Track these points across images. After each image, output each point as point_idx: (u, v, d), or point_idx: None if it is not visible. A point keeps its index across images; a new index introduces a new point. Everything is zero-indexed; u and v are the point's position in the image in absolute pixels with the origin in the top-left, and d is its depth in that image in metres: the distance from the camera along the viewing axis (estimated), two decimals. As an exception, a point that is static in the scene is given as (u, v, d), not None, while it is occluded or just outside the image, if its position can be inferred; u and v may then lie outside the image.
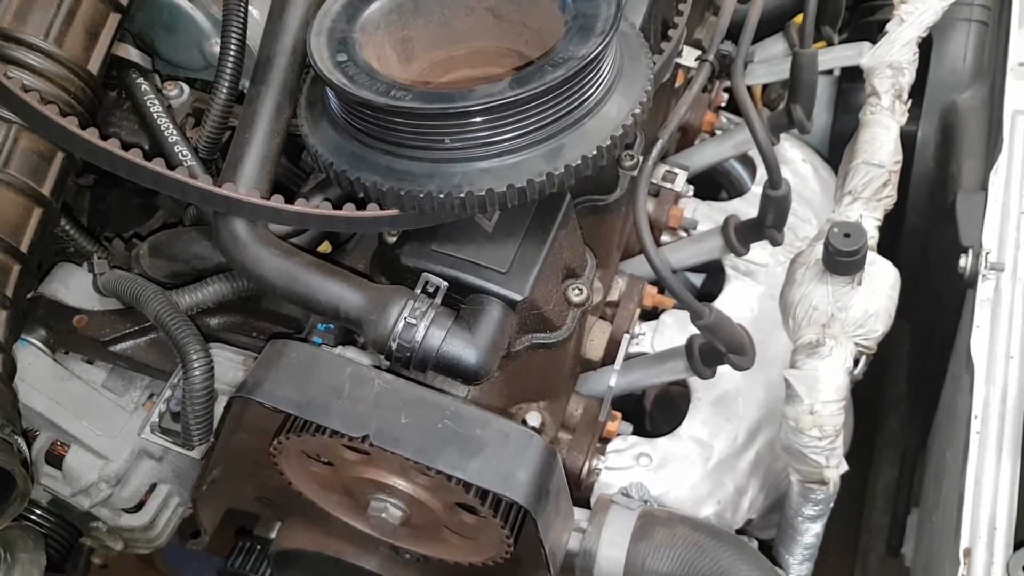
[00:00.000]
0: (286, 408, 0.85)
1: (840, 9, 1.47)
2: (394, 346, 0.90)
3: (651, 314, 1.34)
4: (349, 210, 0.92)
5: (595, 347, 1.16)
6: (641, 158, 1.14)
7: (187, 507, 1.25)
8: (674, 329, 1.33)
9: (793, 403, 1.09)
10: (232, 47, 1.12)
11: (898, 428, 2.06)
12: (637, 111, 0.95)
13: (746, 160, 1.54)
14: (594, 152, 0.91)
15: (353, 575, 1.14)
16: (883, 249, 1.77)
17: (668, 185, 1.20)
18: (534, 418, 1.08)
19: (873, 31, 1.52)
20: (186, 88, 1.20)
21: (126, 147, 1.13)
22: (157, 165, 0.90)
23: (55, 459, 1.15)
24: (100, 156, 0.90)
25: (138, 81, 1.10)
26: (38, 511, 1.19)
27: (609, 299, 1.27)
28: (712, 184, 1.60)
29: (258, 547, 1.33)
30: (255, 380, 0.88)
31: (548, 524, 0.88)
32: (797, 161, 1.52)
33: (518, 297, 0.95)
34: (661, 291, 1.33)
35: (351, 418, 0.85)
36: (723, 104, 1.58)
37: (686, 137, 1.54)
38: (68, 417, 1.11)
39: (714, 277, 1.47)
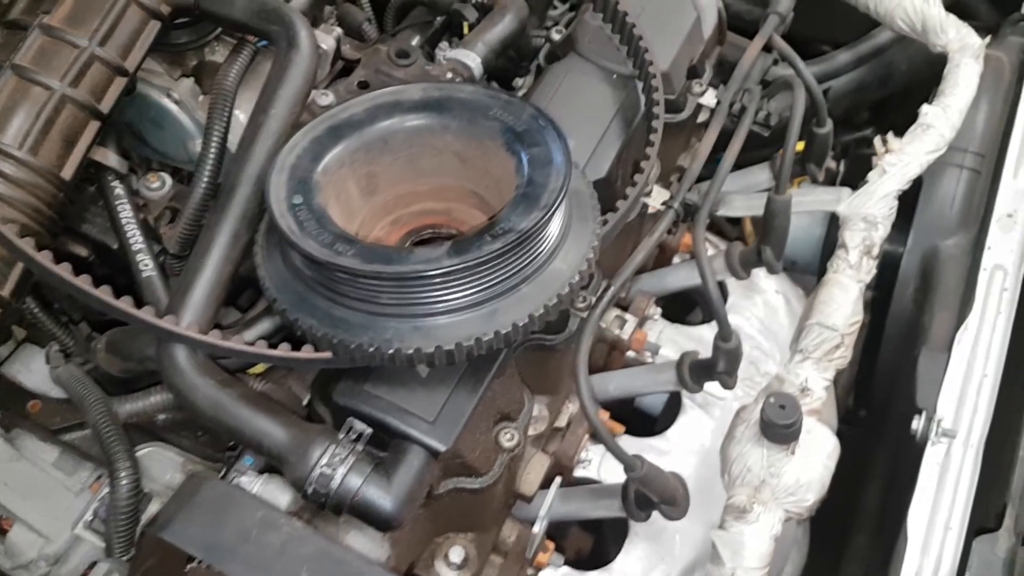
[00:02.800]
0: (190, 550, 0.88)
1: (826, 147, 1.47)
2: (309, 490, 0.92)
3: (603, 436, 1.35)
4: (284, 349, 0.95)
5: (530, 482, 1.17)
6: (594, 300, 1.16)
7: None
8: (623, 456, 1.35)
9: (716, 563, 1.10)
10: (212, 151, 1.16)
11: (865, 546, 2.04)
12: (575, 279, 0.97)
13: (720, 284, 1.55)
14: (525, 320, 0.93)
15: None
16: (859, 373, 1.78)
17: (617, 332, 1.21)
18: (457, 553, 1.09)
19: (868, 166, 1.52)
20: (168, 181, 1.23)
21: (96, 247, 1.18)
22: (104, 294, 0.93)
23: (0, 531, 1.18)
24: (53, 278, 0.93)
25: (112, 184, 1.14)
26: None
27: (557, 424, 1.28)
28: (687, 299, 1.61)
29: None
30: (166, 516, 0.91)
31: None
32: (770, 291, 1.53)
33: (441, 448, 0.97)
34: (612, 417, 1.35)
35: (253, 566, 0.87)
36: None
37: (663, 255, 1.55)
38: (13, 498, 1.15)
39: (676, 399, 1.48)
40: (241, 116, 1.20)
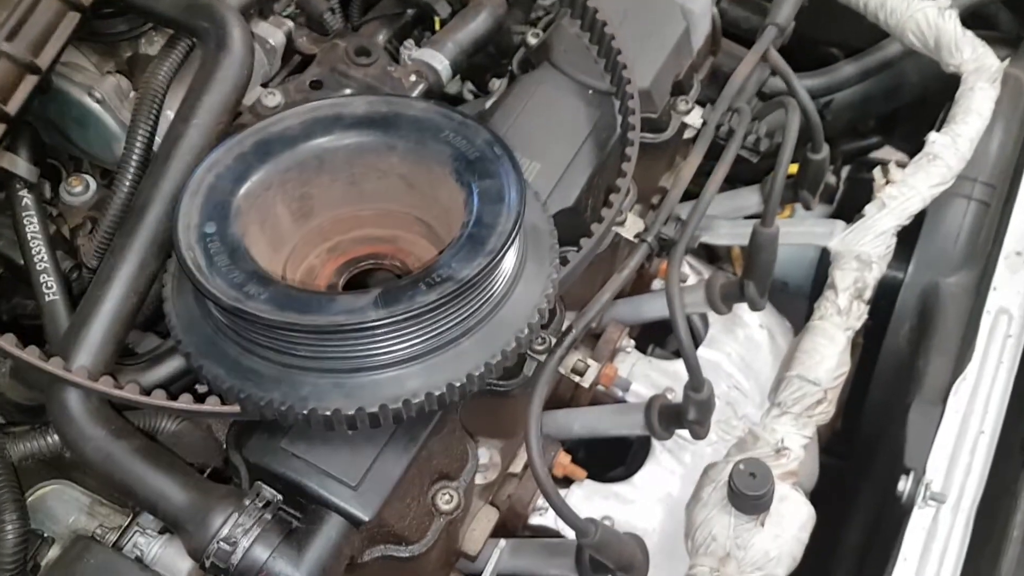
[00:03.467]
0: (68, 632, 0.77)
1: (821, 174, 1.34)
2: (207, 563, 0.82)
3: (564, 481, 1.25)
4: (187, 400, 0.84)
5: (475, 539, 1.06)
6: (553, 340, 1.04)
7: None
8: (583, 503, 1.24)
9: (673, 641, 1.00)
10: (135, 156, 1.04)
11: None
12: (523, 333, 0.85)
13: (701, 316, 1.44)
14: (462, 380, 0.82)
15: None
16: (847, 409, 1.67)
17: (577, 379, 1.10)
18: None
19: (868, 191, 1.39)
20: (92, 185, 1.12)
21: (4, 260, 1.07)
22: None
23: None
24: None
25: (20, 194, 1.02)
26: None
27: (512, 470, 1.17)
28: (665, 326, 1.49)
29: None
30: (48, 581, 0.80)
31: None
32: (753, 326, 1.41)
33: (364, 518, 0.86)
34: (574, 460, 1.24)
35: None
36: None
37: (640, 281, 1.43)
38: None
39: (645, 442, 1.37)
40: (172, 116, 1.07)
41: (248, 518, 0.83)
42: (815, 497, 1.42)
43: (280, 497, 0.85)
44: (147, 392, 0.83)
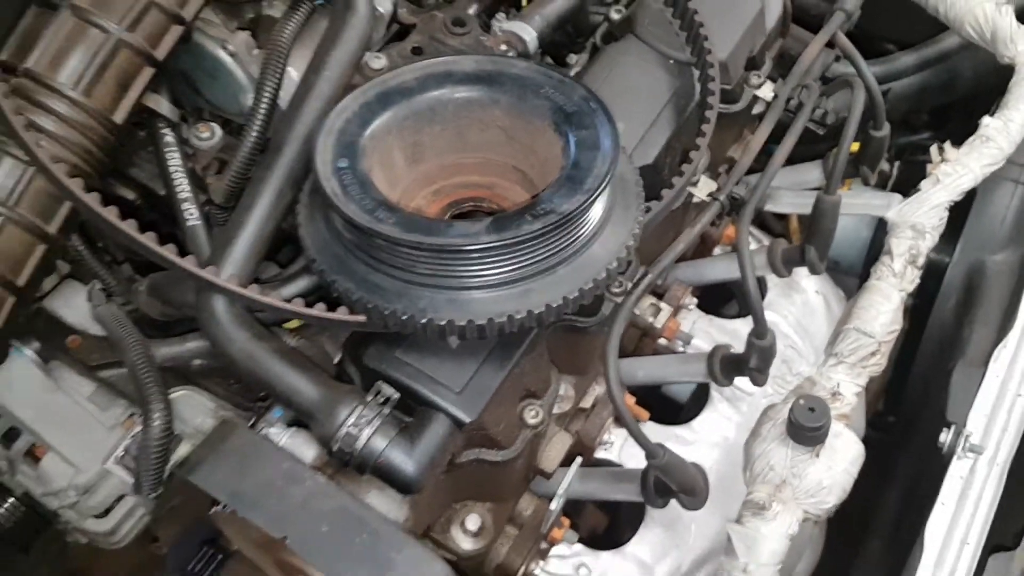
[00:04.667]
0: (216, 495, 0.90)
1: (881, 151, 1.44)
2: (335, 448, 0.94)
3: (627, 421, 1.36)
4: (320, 309, 0.96)
5: (551, 459, 1.18)
6: (630, 285, 1.15)
7: (151, 520, 1.31)
8: (646, 443, 1.35)
9: (730, 556, 1.11)
10: (262, 106, 1.17)
11: (879, 551, 2.04)
12: (612, 266, 0.97)
13: (760, 279, 1.54)
14: (559, 302, 0.93)
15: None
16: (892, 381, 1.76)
17: (650, 319, 1.21)
18: (473, 521, 1.11)
19: (922, 173, 1.49)
20: (218, 132, 1.25)
21: (144, 192, 1.20)
22: (148, 240, 0.95)
23: (33, 458, 1.22)
24: (99, 220, 0.95)
25: (163, 132, 1.16)
26: (13, 499, 1.27)
27: (582, 405, 1.29)
28: (724, 292, 1.60)
29: (219, 557, 1.40)
30: (196, 459, 0.93)
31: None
32: (810, 292, 1.51)
33: (467, 419, 0.98)
34: (639, 403, 1.35)
35: (275, 517, 0.89)
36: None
37: (704, 246, 1.54)
38: (48, 428, 1.18)
39: (704, 390, 1.48)
40: (294, 73, 1.20)
41: (370, 411, 0.95)
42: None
43: (397, 395, 0.97)
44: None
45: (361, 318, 0.96)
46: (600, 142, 0.97)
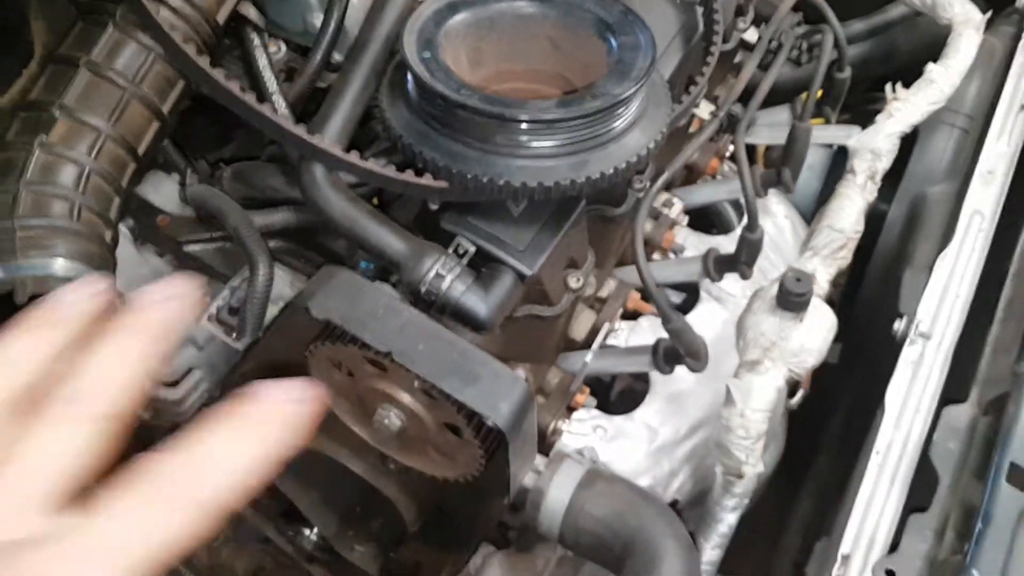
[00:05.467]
0: (331, 318, 1.07)
1: (841, 94, 1.70)
2: (423, 290, 1.13)
3: (631, 315, 1.57)
4: (408, 175, 1.15)
5: (579, 329, 1.38)
6: (648, 183, 1.37)
7: (212, 395, 1.46)
8: (647, 332, 1.56)
9: (728, 406, 1.32)
10: (332, 25, 1.34)
11: (826, 465, 2.30)
12: (651, 145, 1.18)
13: (736, 205, 1.78)
14: (611, 171, 1.14)
15: (340, 474, 1.36)
16: (840, 308, 2.02)
17: (665, 211, 1.43)
18: (520, 374, 1.30)
19: (870, 118, 1.75)
20: (283, 48, 1.42)
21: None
22: (267, 109, 1.12)
23: (116, 329, 1.36)
24: (220, 92, 1.12)
25: (251, 36, 1.33)
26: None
27: (599, 295, 1.50)
28: (705, 219, 1.83)
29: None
30: (308, 292, 1.10)
31: (516, 453, 1.10)
32: (780, 215, 1.76)
33: (528, 272, 1.17)
34: (643, 299, 1.57)
35: (380, 336, 1.07)
36: (728, 155, 1.81)
37: (691, 176, 1.77)
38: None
39: (691, 297, 1.70)
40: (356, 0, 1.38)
41: (451, 260, 1.14)
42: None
43: (473, 249, 1.16)
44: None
45: (444, 184, 1.14)
46: (639, 43, 1.18)
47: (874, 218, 1.92)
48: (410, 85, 1.17)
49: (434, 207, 1.23)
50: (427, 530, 1.40)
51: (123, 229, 1.34)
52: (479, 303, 1.14)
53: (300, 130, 1.13)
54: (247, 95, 1.12)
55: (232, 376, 1.34)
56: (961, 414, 1.37)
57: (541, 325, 1.25)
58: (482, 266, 1.18)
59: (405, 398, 1.14)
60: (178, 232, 1.33)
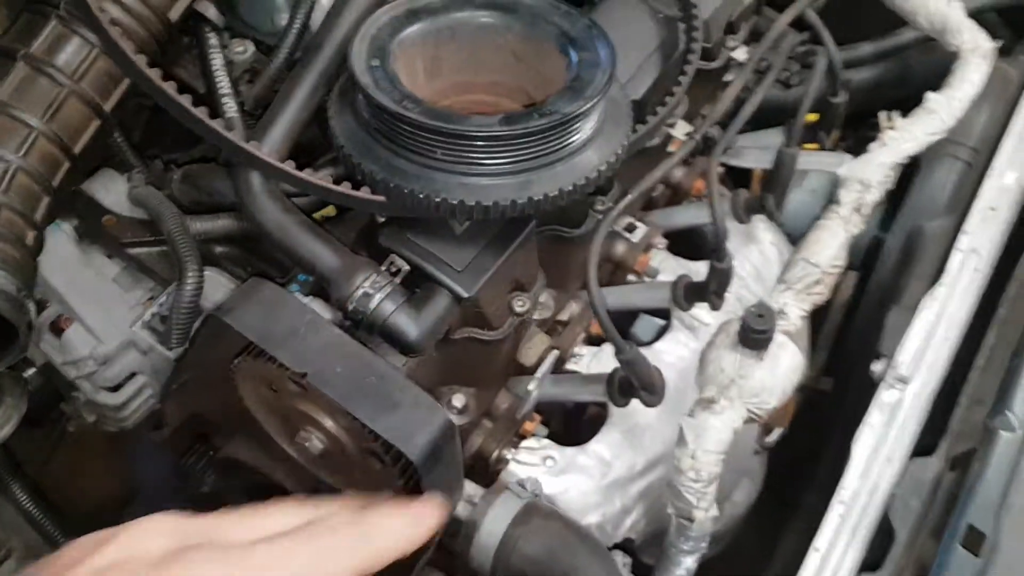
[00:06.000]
0: (248, 335, 1.03)
1: (836, 119, 1.62)
2: (350, 308, 1.08)
3: (597, 340, 1.51)
4: (345, 188, 1.10)
5: (530, 355, 1.33)
6: (612, 204, 1.31)
7: (157, 402, 1.43)
8: (611, 359, 1.50)
9: (680, 446, 1.26)
10: (296, 26, 1.30)
11: (814, 504, 2.21)
12: (603, 168, 1.12)
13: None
14: (556, 192, 1.08)
15: (279, 494, 1.32)
16: (838, 338, 1.95)
17: (627, 235, 1.36)
18: (459, 399, 1.25)
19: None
20: (251, 48, 1.38)
21: (184, 89, 1.33)
22: (201, 113, 1.08)
23: (57, 330, 1.34)
24: (158, 94, 1.08)
25: (208, 35, 1.29)
26: (32, 370, 1.38)
27: (559, 318, 1.44)
28: (691, 243, 1.76)
29: (210, 453, 1.51)
30: (229, 305, 1.06)
31: (434, 485, 1.05)
32: (766, 242, 1.68)
33: (465, 294, 1.12)
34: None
35: (298, 356, 1.02)
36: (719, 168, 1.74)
37: (675, 196, 1.70)
38: (76, 298, 1.30)
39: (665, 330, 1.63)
40: (325, 1, 1.34)
41: (382, 279, 1.09)
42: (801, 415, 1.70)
43: (407, 268, 1.11)
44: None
45: (382, 199, 1.09)
46: (599, 61, 1.12)
47: (874, 246, 1.84)
48: (357, 95, 1.13)
49: (380, 219, 1.18)
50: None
51: (66, 228, 1.31)
52: (409, 324, 1.09)
53: (236, 136, 1.09)
54: (183, 97, 1.08)
55: (169, 387, 1.30)
56: (928, 467, 1.29)
57: (482, 349, 1.20)
58: (418, 285, 1.13)
59: (327, 421, 1.10)
60: (122, 233, 1.30)
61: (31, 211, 1.09)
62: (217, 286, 1.27)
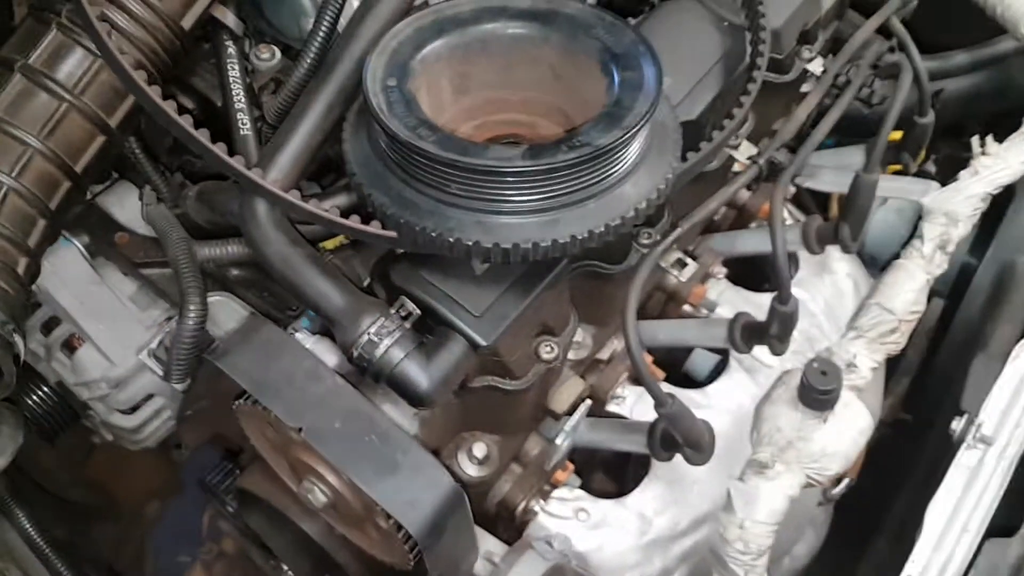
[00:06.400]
0: (240, 381, 0.94)
1: (924, 139, 1.45)
2: (354, 354, 0.98)
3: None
4: (354, 221, 1.00)
5: (561, 401, 1.21)
6: (659, 238, 1.18)
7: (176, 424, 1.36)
8: (658, 401, 1.37)
9: (727, 512, 1.13)
10: (321, 31, 1.20)
11: (885, 550, 2.04)
12: (642, 206, 0.99)
13: (792, 256, 1.55)
14: (585, 234, 0.96)
15: (295, 533, 1.23)
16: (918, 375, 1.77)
17: (675, 273, 1.23)
18: (480, 449, 1.14)
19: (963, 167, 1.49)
20: (278, 54, 1.29)
21: (202, 99, 1.25)
22: (202, 136, 0.99)
23: (70, 348, 1.28)
24: (158, 113, 1.00)
25: (226, 43, 1.20)
26: (46, 388, 1.33)
27: (599, 357, 1.31)
28: (757, 270, 1.61)
29: (237, 472, 1.45)
30: (225, 348, 0.97)
31: (438, 556, 0.94)
32: (841, 274, 1.52)
33: (482, 343, 1.01)
34: (656, 363, 1.37)
35: (292, 408, 0.93)
36: (788, 197, 1.59)
37: (741, 219, 1.55)
38: (88, 319, 1.23)
39: (724, 365, 1.49)
40: (355, 1, 1.24)
41: (391, 323, 0.99)
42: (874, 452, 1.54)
43: (419, 312, 1.00)
44: (322, 208, 0.99)
45: (392, 233, 0.99)
46: (644, 83, 0.99)
47: (963, 273, 1.66)
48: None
49: (398, 251, 1.08)
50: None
51: (77, 245, 1.24)
52: (419, 374, 0.98)
53: (237, 162, 0.99)
54: (183, 118, 0.99)
55: (185, 412, 1.23)
56: (1008, 550, 1.13)
57: (504, 399, 1.09)
58: (431, 330, 1.02)
59: (329, 475, 1.00)
60: (135, 252, 1.23)
61: (24, 236, 1.02)
62: (229, 313, 1.19)
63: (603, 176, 0.97)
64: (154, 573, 1.86)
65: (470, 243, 0.95)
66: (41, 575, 1.25)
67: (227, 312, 1.20)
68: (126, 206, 1.26)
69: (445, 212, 0.96)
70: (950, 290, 1.72)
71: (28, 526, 1.25)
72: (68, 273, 1.23)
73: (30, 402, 1.33)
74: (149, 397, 1.33)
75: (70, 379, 1.29)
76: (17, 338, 0.97)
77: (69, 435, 1.46)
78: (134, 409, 1.33)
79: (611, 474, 1.57)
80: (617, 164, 0.98)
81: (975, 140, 1.36)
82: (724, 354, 1.49)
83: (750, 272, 1.54)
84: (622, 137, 0.95)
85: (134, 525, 1.94)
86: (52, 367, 1.30)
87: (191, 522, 1.66)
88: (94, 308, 1.24)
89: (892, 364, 1.73)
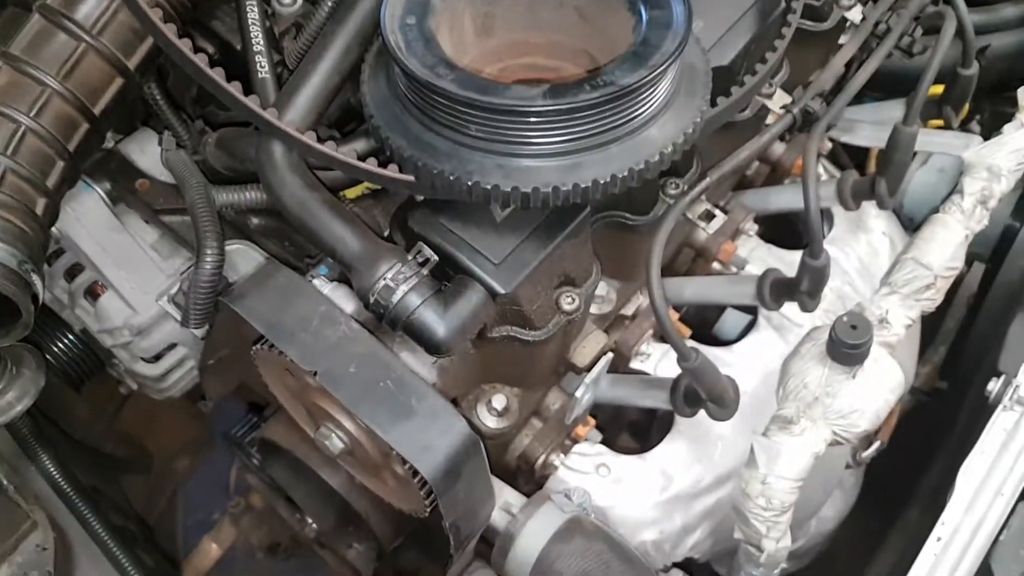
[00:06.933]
0: (255, 324, 0.93)
1: (967, 92, 1.39)
2: (371, 300, 0.96)
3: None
4: (371, 164, 0.98)
5: (583, 354, 1.18)
6: (686, 187, 1.15)
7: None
8: (683, 358, 1.34)
9: (750, 468, 1.11)
10: (341, -26, 1.18)
11: (916, 519, 2.00)
12: (667, 150, 0.95)
13: (826, 213, 1.50)
14: (608, 179, 0.93)
15: (317, 484, 1.23)
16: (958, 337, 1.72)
17: (702, 225, 1.19)
18: (499, 400, 1.13)
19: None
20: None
21: (222, 42, 1.23)
22: (216, 74, 0.97)
23: (93, 295, 1.28)
24: (173, 51, 0.98)
25: (245, -15, 1.18)
26: (71, 335, 1.33)
27: (623, 312, 1.29)
28: (790, 228, 1.57)
29: (259, 426, 1.44)
30: (240, 291, 0.96)
31: (453, 502, 0.93)
32: (876, 232, 1.48)
33: (501, 291, 0.99)
34: (682, 319, 1.34)
35: (307, 352, 0.92)
36: (824, 152, 1.54)
37: (774, 175, 1.51)
38: (109, 264, 1.23)
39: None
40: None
41: (408, 269, 0.97)
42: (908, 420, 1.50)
43: (436, 258, 0.98)
44: (339, 150, 0.97)
45: (410, 177, 0.97)
46: (673, 22, 0.96)
47: (1006, 236, 1.61)
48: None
49: (418, 199, 1.06)
50: (418, 539, 1.26)
51: (99, 191, 1.23)
52: (436, 322, 0.96)
53: (252, 102, 0.97)
54: (198, 57, 0.97)
55: (207, 362, 1.23)
56: (1042, 514, 1.10)
57: (524, 349, 1.07)
58: (450, 277, 1.00)
59: (346, 421, 0.99)
60: (155, 199, 1.22)
61: (43, 177, 1.02)
62: (248, 261, 1.18)
63: (627, 118, 0.94)
64: (184, 528, 1.88)
65: (489, 187, 0.92)
66: (66, 519, 1.25)
67: (246, 260, 1.19)
68: (147, 152, 1.25)
69: (463, 155, 0.93)
70: (991, 253, 1.66)
71: (53, 469, 1.25)
72: (89, 219, 1.22)
73: (56, 349, 1.34)
74: (172, 346, 1.32)
75: (93, 326, 1.29)
76: (35, 278, 0.97)
77: (98, 384, 1.47)
78: (157, 358, 1.33)
79: (636, 435, 1.56)
80: (642, 106, 0.94)
81: (1021, 92, 1.31)
82: (754, 315, 1.46)
83: (785, 233, 1.50)
84: (648, 77, 0.91)
85: (165, 478, 1.96)
86: (76, 314, 1.30)
87: (224, 479, 1.67)
88: (116, 255, 1.24)
89: (930, 332, 1.68)
